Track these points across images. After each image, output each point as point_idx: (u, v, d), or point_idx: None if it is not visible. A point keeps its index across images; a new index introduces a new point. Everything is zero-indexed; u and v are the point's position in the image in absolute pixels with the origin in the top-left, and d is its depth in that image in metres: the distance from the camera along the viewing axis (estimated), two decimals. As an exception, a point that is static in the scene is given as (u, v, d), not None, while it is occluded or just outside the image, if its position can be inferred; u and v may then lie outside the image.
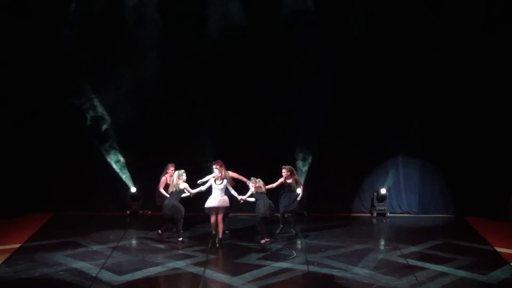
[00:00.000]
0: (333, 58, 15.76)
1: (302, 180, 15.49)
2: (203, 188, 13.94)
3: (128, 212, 16.56)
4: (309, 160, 16.27)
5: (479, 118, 16.05)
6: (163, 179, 14.47)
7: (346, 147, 16.30)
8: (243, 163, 15.18)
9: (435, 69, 15.97)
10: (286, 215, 14.69)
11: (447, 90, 16.04)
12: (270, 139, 16.30)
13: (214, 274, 12.11)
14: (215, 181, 13.90)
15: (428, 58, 15.93)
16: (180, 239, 14.03)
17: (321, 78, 15.81)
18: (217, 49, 15.83)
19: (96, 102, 16.17)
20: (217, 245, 13.76)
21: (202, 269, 12.30)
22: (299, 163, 16.23)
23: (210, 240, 14.01)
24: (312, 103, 15.99)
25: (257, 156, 16.04)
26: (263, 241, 13.83)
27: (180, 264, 12.63)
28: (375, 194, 16.50)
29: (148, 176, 16.51)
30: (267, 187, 14.18)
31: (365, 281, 11.76)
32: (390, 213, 16.52)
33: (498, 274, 12.12)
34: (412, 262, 12.80)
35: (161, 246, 13.83)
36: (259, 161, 15.74)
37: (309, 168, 16.33)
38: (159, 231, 14.16)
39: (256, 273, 12.11)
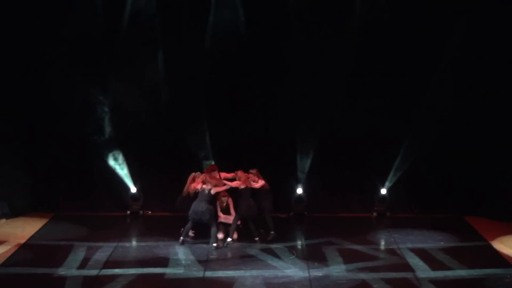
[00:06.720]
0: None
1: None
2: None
3: (128, 212, 16.55)
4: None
5: (478, 118, 16.06)
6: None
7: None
8: (243, 160, 15.16)
9: (444, 64, 15.81)
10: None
11: (449, 89, 15.98)
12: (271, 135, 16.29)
13: (215, 274, 12.13)
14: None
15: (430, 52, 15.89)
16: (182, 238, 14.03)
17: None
18: (220, 43, 15.84)
19: (96, 101, 16.18)
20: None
21: (202, 269, 12.32)
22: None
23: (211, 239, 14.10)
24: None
25: (258, 152, 15.95)
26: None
27: (181, 264, 12.65)
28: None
29: (149, 176, 16.53)
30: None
31: (366, 281, 11.78)
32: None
33: (498, 274, 12.14)
34: (412, 261, 12.81)
35: (162, 244, 13.83)
36: (260, 157, 15.65)
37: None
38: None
39: (257, 273, 12.14)
